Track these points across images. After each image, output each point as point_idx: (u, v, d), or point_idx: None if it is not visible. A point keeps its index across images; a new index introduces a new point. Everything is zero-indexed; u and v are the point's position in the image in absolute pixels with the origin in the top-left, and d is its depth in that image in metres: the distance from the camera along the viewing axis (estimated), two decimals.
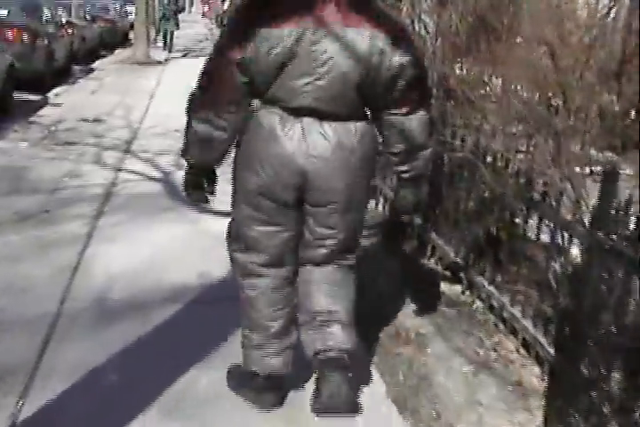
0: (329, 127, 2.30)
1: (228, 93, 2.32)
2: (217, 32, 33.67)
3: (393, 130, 2.41)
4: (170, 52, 18.44)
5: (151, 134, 7.62)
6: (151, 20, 20.18)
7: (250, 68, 2.26)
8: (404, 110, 2.36)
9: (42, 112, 8.88)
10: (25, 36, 10.65)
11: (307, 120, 2.30)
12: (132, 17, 25.57)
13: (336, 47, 2.22)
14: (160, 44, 21.88)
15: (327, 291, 2.54)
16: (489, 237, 3.58)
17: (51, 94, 10.49)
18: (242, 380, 2.63)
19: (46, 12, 12.57)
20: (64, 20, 13.93)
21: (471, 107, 3.78)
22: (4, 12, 11.60)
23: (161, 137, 7.43)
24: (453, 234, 3.92)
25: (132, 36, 24.70)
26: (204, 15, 53.58)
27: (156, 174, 5.89)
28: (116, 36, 21.86)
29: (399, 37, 2.29)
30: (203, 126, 2.35)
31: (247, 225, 2.47)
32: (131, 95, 10.71)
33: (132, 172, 5.94)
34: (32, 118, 8.35)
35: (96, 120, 8.41)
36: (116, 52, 19.53)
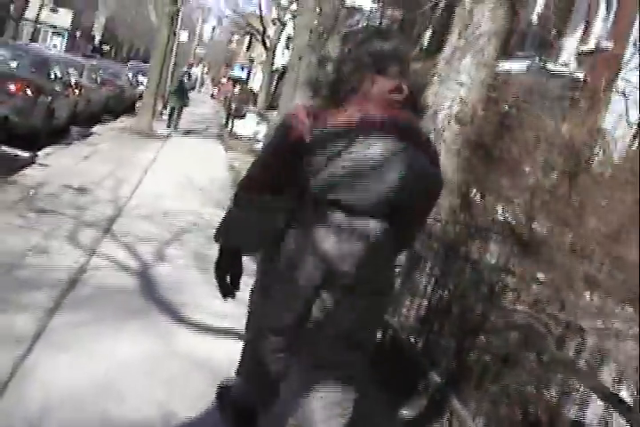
0: (364, 225, 2.34)
1: (280, 180, 2.37)
2: (223, 114, 33.71)
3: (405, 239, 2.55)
4: (175, 128, 17.96)
5: (137, 215, 6.91)
6: (161, 93, 19.87)
7: (304, 157, 2.32)
8: (418, 225, 2.59)
9: (26, 171, 8.17)
10: (27, 91, 10.11)
11: (342, 217, 2.33)
12: (142, 87, 25.51)
13: (386, 156, 2.33)
14: (165, 117, 21.58)
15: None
16: (536, 421, 2.84)
17: (41, 153, 9.83)
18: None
19: (56, 70, 12.15)
20: (73, 80, 13.51)
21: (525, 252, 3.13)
22: (14, 64, 11.18)
23: (147, 220, 6.72)
24: (482, 405, 3.17)
25: (138, 105, 24.53)
26: (212, 97, 54.37)
27: (134, 265, 5.14)
28: (122, 102, 21.57)
29: (437, 159, 2.49)
30: (250, 212, 2.39)
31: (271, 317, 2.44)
32: (124, 167, 10.09)
33: (107, 257, 5.19)
34: (13, 177, 7.63)
35: (81, 189, 7.72)
36: (120, 119, 19.13)
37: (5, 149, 9.35)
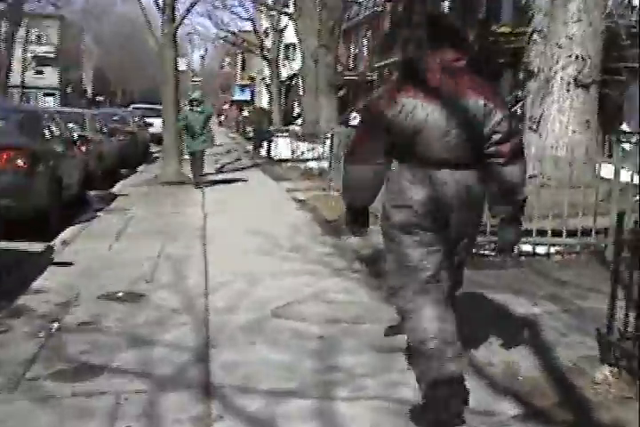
0: (455, 174, 3.01)
1: (375, 147, 3.07)
2: (240, 140, 31.02)
3: (492, 176, 3.07)
4: (199, 183, 12.39)
5: (238, 328, 4.05)
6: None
7: (393, 126, 2.99)
8: (501, 160, 3.03)
9: (39, 283, 5.30)
10: (18, 161, 7.33)
11: (440, 170, 3.00)
12: (152, 129, 22.83)
13: (460, 112, 2.98)
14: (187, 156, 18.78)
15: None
16: None
17: (57, 241, 7.05)
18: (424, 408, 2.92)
19: (51, 126, 9.34)
20: (76, 136, 10.74)
21: None
22: None
23: (261, 335, 3.88)
24: None
25: (153, 149, 21.84)
26: (220, 124, 51.94)
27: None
28: (137, 150, 18.85)
29: (500, 100, 3.13)
30: (356, 173, 3.16)
31: (408, 249, 3.07)
32: (173, 237, 7.26)
33: None
34: (20, 301, 4.78)
35: (129, 296, 4.90)
36: (139, 169, 16.40)
37: (6, 244, 6.57)
